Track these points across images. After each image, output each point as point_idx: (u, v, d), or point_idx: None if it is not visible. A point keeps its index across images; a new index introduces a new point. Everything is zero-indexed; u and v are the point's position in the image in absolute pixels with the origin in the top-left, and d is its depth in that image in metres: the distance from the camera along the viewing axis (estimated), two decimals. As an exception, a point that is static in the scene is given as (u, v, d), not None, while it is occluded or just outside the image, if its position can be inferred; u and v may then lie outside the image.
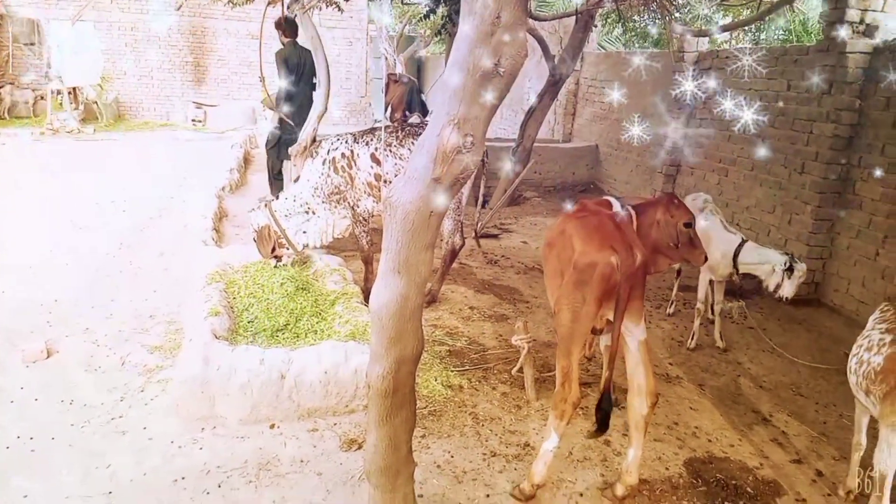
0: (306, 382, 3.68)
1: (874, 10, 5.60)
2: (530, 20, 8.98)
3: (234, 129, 14.20)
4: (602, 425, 3.00)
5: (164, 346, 4.45)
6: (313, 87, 7.83)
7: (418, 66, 20.58)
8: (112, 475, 3.18)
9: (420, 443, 3.52)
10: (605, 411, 2.98)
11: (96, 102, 13.98)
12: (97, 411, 3.69)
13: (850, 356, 3.12)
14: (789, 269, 4.44)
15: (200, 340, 3.82)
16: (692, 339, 5.01)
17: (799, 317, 5.82)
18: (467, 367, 4.41)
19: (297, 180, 5.23)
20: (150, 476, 3.19)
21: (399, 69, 16.02)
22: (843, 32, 5.65)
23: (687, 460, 3.58)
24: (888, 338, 2.91)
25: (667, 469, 3.49)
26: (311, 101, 7.55)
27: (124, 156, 10.81)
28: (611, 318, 3.02)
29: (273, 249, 5.15)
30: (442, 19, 8.72)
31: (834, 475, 3.51)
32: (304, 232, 5.22)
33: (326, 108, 6.13)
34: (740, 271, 4.69)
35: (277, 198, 5.38)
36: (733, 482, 3.40)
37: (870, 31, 5.62)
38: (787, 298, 4.53)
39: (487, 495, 3.18)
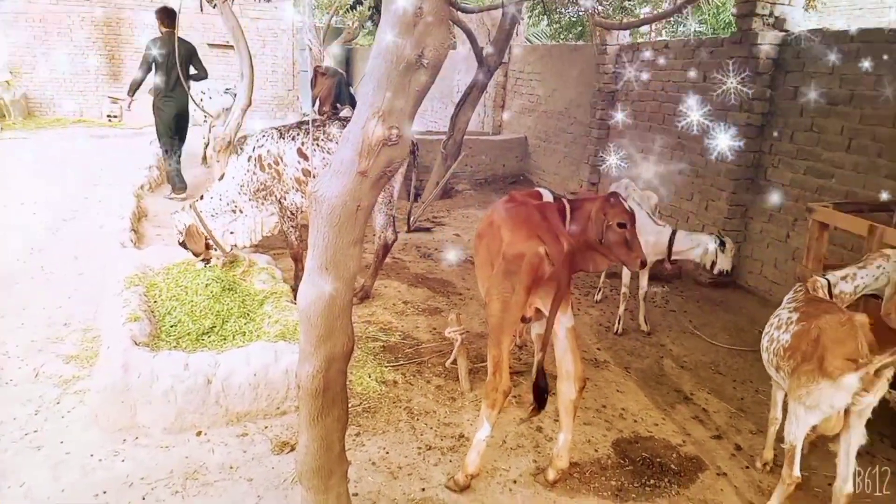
0: (234, 386, 3.57)
1: (782, 4, 5.90)
2: (458, 12, 9.00)
3: (153, 125, 13.57)
4: (539, 402, 3.05)
5: (81, 355, 4.21)
6: (189, 79, 7.88)
7: (347, 59, 20.29)
8: (27, 493, 3.00)
9: (354, 440, 3.48)
10: (541, 388, 3.03)
11: (2, 99, 13.08)
12: (9, 427, 3.46)
13: (763, 334, 3.29)
14: (721, 245, 4.72)
15: (119, 347, 3.63)
16: (618, 323, 5.17)
17: (717, 298, 6.11)
18: (402, 362, 4.40)
19: (221, 178, 5.06)
20: (68, 492, 3.02)
21: (327, 62, 15.76)
22: (754, 25, 5.93)
23: (615, 441, 3.69)
24: (795, 316, 3.08)
25: (596, 451, 3.59)
26: (184, 96, 7.59)
27: (34, 155, 10.16)
28: (540, 307, 3.06)
29: (207, 247, 4.97)
30: (369, 10, 8.62)
31: (751, 448, 3.71)
32: (232, 232, 5.06)
33: (251, 102, 5.98)
34: (673, 258, 4.89)
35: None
36: (658, 460, 3.53)
37: (779, 23, 5.93)
38: (727, 271, 4.82)
39: (423, 489, 3.19)
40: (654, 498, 3.23)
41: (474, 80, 9.07)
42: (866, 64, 5.01)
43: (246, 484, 3.15)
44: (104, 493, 3.03)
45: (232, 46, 7.31)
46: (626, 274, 5.13)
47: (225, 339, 4.05)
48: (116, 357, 3.54)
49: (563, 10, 11.47)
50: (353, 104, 9.81)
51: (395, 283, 5.90)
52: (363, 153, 2.04)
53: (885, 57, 4.87)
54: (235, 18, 5.86)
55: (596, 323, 5.40)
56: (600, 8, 8.57)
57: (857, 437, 2.76)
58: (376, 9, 8.47)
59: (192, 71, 8.12)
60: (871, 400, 2.67)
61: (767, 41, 5.91)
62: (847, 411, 2.74)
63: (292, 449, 3.40)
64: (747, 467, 3.55)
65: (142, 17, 15.05)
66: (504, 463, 3.42)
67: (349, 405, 2.56)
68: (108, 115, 14.42)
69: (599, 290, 5.90)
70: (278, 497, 3.07)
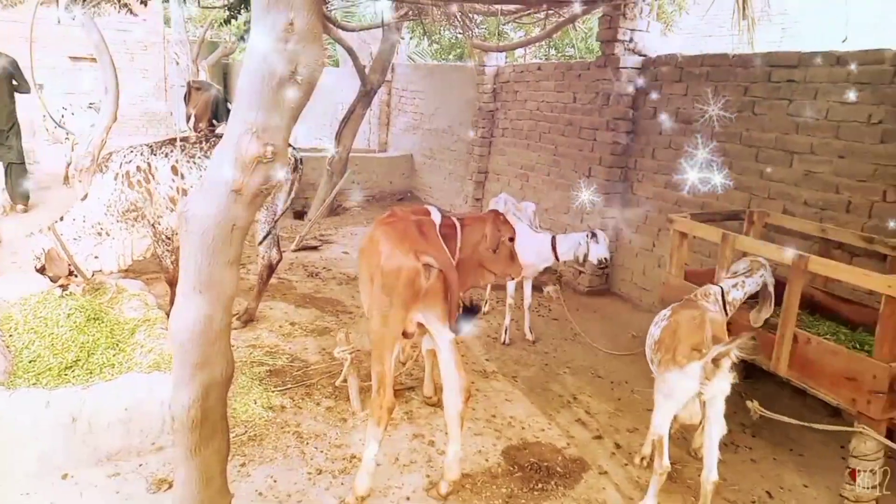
0: (103, 423, 3.30)
1: (641, 31, 6.39)
2: (338, 30, 8.98)
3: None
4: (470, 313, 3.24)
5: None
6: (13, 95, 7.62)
7: (224, 73, 19.58)
8: None
9: (239, 471, 3.33)
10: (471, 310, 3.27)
11: None
12: None
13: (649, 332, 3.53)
14: (593, 236, 5.02)
15: (-35, 388, 3.26)
16: (505, 334, 5.33)
17: (594, 306, 6.45)
18: (289, 386, 4.27)
19: (85, 198, 4.69)
20: None
21: (203, 76, 15.12)
22: (616, 50, 6.39)
23: (504, 449, 3.79)
24: (667, 312, 3.34)
25: (486, 460, 3.66)
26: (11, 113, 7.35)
27: None
28: (422, 321, 3.10)
29: (70, 273, 4.57)
30: (245, 24, 8.39)
31: (629, 446, 3.93)
32: (97, 256, 4.70)
33: (116, 118, 5.63)
34: (561, 260, 5.13)
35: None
36: (545, 464, 3.66)
37: (638, 48, 6.42)
38: (606, 259, 5.11)
39: (314, 514, 3.10)
40: (541, 501, 3.34)
41: (357, 97, 9.07)
42: (713, 85, 5.54)
43: (118, 528, 2.91)
44: (-53, 555, 2.69)
45: (94, 59, 6.88)
46: (510, 285, 5.30)
47: (91, 373, 3.74)
48: (-38, 399, 3.17)
49: (441, 32, 11.75)
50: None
51: (282, 304, 5.73)
52: (238, 170, 1.98)
53: (730, 79, 5.41)
54: (98, 31, 5.52)
55: (484, 334, 5.52)
56: (478, 31, 8.88)
57: (717, 427, 3.02)
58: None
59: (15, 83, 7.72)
60: (717, 389, 2.93)
61: (629, 65, 6.39)
62: (704, 403, 2.99)
63: (170, 486, 3.19)
64: (626, 464, 3.75)
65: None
66: (397, 481, 3.40)
67: (232, 434, 2.46)
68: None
69: (486, 302, 6.05)
70: (156, 539, 2.87)
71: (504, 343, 5.30)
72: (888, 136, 4.26)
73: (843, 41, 4.26)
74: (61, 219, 4.66)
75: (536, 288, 5.60)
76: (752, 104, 5.21)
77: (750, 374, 4.32)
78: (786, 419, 3.40)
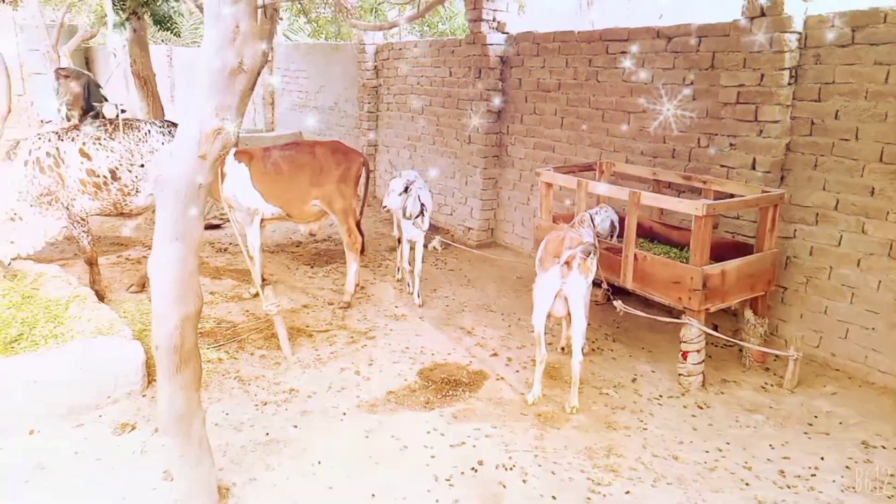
0: (62, 382, 3.68)
1: (503, 11, 7.23)
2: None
3: None
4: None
5: None
6: None
7: (86, 59, 18.54)
8: None
9: (195, 408, 3.83)
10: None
11: None
12: None
13: None
14: (405, 191, 5.39)
15: (-82, 366, 3.51)
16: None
17: (483, 257, 7.32)
18: (222, 343, 4.76)
19: (-7, 186, 4.83)
20: None
21: (65, 62, 14.41)
22: (483, 28, 7.19)
23: (419, 371, 4.53)
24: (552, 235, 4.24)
25: (405, 380, 4.40)
26: None
27: None
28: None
29: None
30: (123, 12, 8.36)
31: (519, 358, 4.80)
32: (12, 242, 4.88)
33: (10, 109, 5.67)
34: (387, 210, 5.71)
35: None
36: (453, 377, 4.45)
37: (501, 27, 7.26)
38: (411, 214, 5.40)
39: (267, 433, 3.69)
40: (453, 402, 4.13)
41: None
42: (564, 58, 6.50)
43: (95, 463, 3.36)
44: (-59, 501, 3.04)
45: None
46: (405, 249, 5.96)
47: (37, 344, 4.04)
48: (-81, 375, 3.43)
49: (318, 11, 12.08)
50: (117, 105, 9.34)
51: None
52: (201, 141, 2.53)
53: (577, 53, 6.38)
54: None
55: (395, 289, 6.21)
56: (352, 8, 9.38)
57: (578, 319, 3.94)
58: (134, 13, 8.29)
59: None
60: (572, 285, 3.86)
61: (495, 41, 7.22)
62: (566, 300, 3.92)
63: (133, 428, 3.66)
64: (517, 371, 4.63)
65: None
66: (333, 402, 4.05)
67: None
68: None
69: (398, 269, 6.63)
70: (131, 467, 3.34)
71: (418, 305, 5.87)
72: (699, 94, 5.36)
73: (660, 17, 5.29)
74: None
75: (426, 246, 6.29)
76: (595, 73, 6.21)
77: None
78: (640, 313, 4.51)
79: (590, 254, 3.84)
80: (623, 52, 5.87)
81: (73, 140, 4.97)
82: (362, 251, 5.78)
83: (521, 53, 7.07)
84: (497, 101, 7.37)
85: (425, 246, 6.06)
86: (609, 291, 4.79)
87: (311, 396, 4.11)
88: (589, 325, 4.77)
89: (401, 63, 8.91)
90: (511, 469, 3.45)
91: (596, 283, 4.53)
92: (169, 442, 2.91)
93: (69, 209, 4.99)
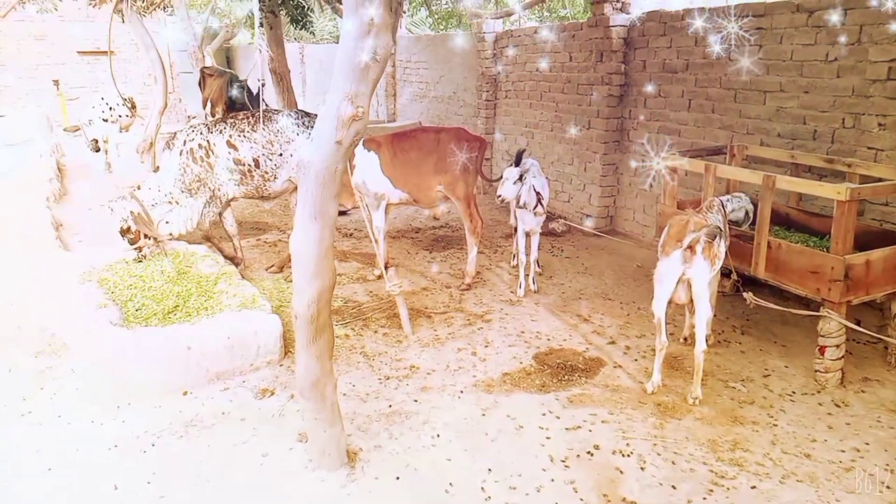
0: (211, 350, 4.09)
1: (626, -10, 7.04)
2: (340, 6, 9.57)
3: (29, 140, 13.07)
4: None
5: (46, 350, 4.52)
6: None
7: (227, 58, 20.10)
8: (41, 456, 3.39)
9: (325, 379, 4.12)
10: None
11: None
12: (3, 412, 3.79)
13: None
14: (520, 179, 5.22)
15: (97, 329, 4.05)
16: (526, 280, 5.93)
17: (601, 245, 7.20)
18: (348, 321, 5.05)
19: (156, 170, 5.43)
20: (82, 452, 3.45)
21: (209, 61, 15.69)
22: (606, 10, 7.02)
23: (535, 355, 4.58)
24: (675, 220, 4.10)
25: (521, 363, 4.45)
26: None
27: None
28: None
29: (145, 236, 5.30)
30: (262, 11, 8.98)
31: (637, 347, 4.71)
32: (168, 222, 5.45)
33: (166, 104, 6.33)
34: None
35: None
36: (569, 363, 4.45)
37: (625, 7, 7.06)
38: (526, 204, 5.32)
39: (389, 405, 3.90)
40: (569, 387, 4.14)
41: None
42: (694, 37, 6.20)
43: (240, 423, 3.72)
44: (116, 446, 3.50)
45: (104, 52, 7.51)
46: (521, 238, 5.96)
47: (190, 315, 4.51)
48: (97, 337, 3.96)
49: (439, 2, 12.31)
50: (252, 100, 10.08)
51: (324, 259, 6.49)
52: (338, 127, 2.71)
53: (707, 29, 6.07)
54: (143, 25, 6.18)
55: (510, 275, 6.28)
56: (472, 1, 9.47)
57: (702, 306, 3.80)
58: (272, 12, 8.91)
59: None
60: (695, 270, 3.70)
61: (618, 23, 7.02)
62: (689, 287, 3.78)
63: (272, 394, 4.00)
64: (636, 360, 4.54)
65: (1, 27, 14.28)
66: (451, 381, 4.20)
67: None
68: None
69: (514, 256, 6.69)
70: (271, 428, 3.67)
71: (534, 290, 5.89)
72: (843, 70, 4.94)
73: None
74: (138, 187, 5.39)
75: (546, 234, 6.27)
76: (727, 51, 5.88)
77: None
78: (773, 306, 4.28)
79: (715, 237, 3.69)
80: (759, 28, 5.52)
81: (220, 132, 5.46)
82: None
83: (647, 34, 6.84)
84: (619, 84, 7.19)
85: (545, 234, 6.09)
86: (738, 282, 4.56)
87: (430, 374, 4.28)
88: (715, 315, 4.60)
89: (520, 50, 8.90)
90: (629, 456, 3.42)
91: (724, 273, 4.35)
92: (305, 405, 3.17)
93: (215, 192, 5.49)
